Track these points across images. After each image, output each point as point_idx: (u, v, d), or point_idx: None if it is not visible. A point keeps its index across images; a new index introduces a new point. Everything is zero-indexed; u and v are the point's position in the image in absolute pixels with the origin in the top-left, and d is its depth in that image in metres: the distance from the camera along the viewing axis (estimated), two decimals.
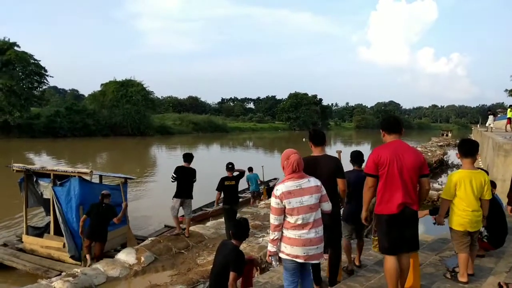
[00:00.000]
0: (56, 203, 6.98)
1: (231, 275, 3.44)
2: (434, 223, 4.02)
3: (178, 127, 60.26)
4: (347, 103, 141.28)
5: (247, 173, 10.97)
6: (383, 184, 3.13)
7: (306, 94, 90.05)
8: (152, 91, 56.83)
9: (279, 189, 2.89)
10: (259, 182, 11.77)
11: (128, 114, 49.44)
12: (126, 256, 6.15)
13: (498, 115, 28.31)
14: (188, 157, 7.30)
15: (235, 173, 7.37)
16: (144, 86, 53.97)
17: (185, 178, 7.09)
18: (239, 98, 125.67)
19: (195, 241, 7.02)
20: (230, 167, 7.27)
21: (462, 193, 3.55)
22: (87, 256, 6.48)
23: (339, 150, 5.36)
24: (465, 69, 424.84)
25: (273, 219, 2.92)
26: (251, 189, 11.75)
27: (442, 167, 22.71)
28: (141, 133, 50.47)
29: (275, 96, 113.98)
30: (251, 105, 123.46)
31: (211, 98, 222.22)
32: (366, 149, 41.67)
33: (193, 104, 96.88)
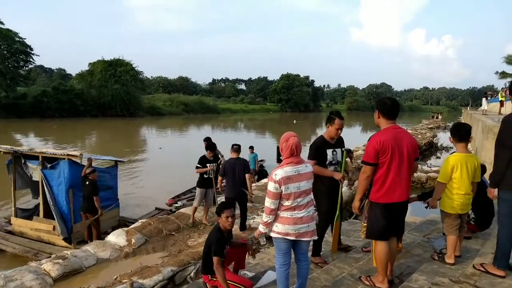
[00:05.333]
0: (46, 186, 6.91)
1: (214, 259, 3.43)
2: (427, 207, 4.06)
3: (168, 108, 59.64)
4: (339, 85, 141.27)
5: (248, 152, 11.16)
6: (383, 172, 3.06)
7: (298, 75, 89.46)
8: (141, 71, 56.09)
9: (278, 174, 2.87)
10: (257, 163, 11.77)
11: (117, 95, 48.54)
12: (116, 238, 6.13)
13: (489, 98, 28.52)
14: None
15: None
16: (133, 66, 53.09)
17: None
18: (230, 79, 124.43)
19: (186, 223, 7.02)
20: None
21: (457, 176, 3.56)
22: (85, 233, 6.72)
23: None
24: (457, 51, 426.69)
25: (270, 203, 2.91)
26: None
27: (431, 149, 23.00)
28: (130, 114, 49.83)
29: (267, 77, 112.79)
30: (243, 86, 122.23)
31: (202, 78, 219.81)
32: (357, 131, 41.87)
33: (184, 85, 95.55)
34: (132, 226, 6.71)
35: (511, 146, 3.10)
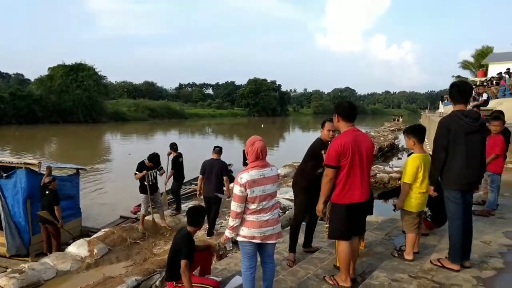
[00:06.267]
0: (1, 197, 6.56)
1: (182, 262, 3.38)
2: (394, 210, 4.17)
3: (133, 114, 58.19)
4: (305, 89, 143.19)
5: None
6: (345, 174, 3.14)
7: (265, 80, 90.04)
8: (105, 76, 54.44)
9: (243, 178, 2.89)
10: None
11: (78, 100, 46.84)
12: (77, 248, 5.91)
13: (445, 101, 29.89)
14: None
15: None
16: (96, 70, 51.49)
17: None
18: (197, 83, 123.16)
19: (152, 231, 6.88)
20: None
21: (421, 176, 3.69)
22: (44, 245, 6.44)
23: None
24: (416, 56, 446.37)
25: (236, 207, 2.92)
26: None
27: (393, 150, 23.81)
28: (93, 120, 48.19)
29: (234, 82, 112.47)
30: (210, 91, 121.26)
31: (168, 83, 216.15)
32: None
33: (149, 90, 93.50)
34: (95, 235, 6.50)
35: (447, 147, 3.28)
